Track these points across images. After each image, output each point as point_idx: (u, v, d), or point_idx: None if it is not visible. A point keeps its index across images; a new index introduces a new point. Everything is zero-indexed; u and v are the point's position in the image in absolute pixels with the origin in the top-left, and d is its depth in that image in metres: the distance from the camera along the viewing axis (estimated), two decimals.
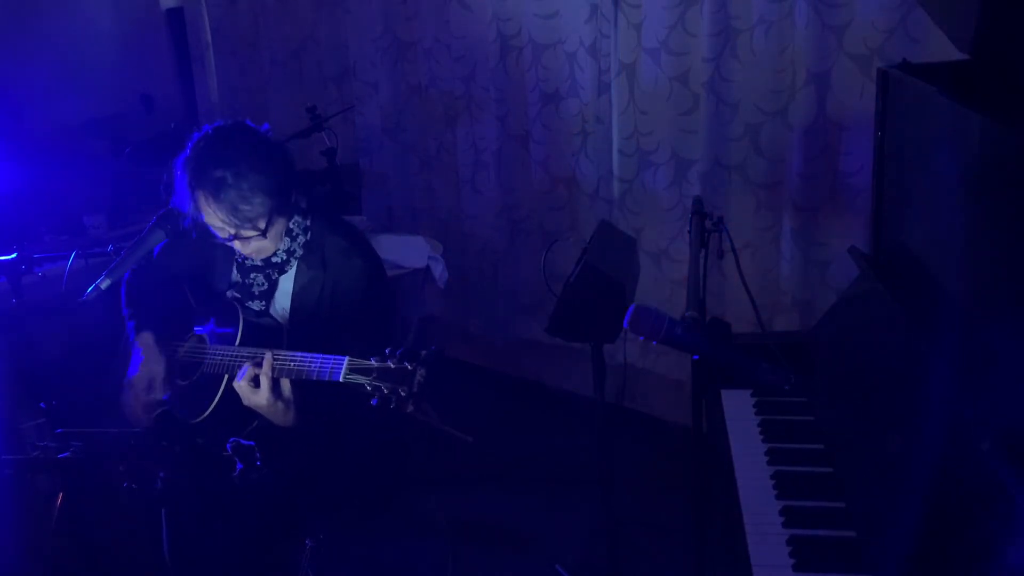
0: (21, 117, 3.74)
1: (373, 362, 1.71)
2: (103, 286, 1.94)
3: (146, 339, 2.10)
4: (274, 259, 2.07)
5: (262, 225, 1.93)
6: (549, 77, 3.19)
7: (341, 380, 1.75)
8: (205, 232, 2.18)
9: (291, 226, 2.05)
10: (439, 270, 3.35)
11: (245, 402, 1.87)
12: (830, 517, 1.52)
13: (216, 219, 1.93)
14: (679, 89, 2.85)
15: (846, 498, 1.55)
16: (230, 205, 1.89)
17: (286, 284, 2.10)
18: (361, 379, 1.71)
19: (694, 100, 2.83)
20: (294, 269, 2.09)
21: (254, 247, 2.00)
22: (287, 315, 2.09)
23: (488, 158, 3.46)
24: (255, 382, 1.84)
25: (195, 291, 2.18)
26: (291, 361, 1.85)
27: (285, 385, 1.86)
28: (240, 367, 1.89)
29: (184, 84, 4.42)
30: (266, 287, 2.10)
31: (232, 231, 1.94)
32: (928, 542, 1.26)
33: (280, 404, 1.86)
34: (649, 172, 2.99)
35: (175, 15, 4.36)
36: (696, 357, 1.58)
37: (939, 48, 2.05)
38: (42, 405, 2.45)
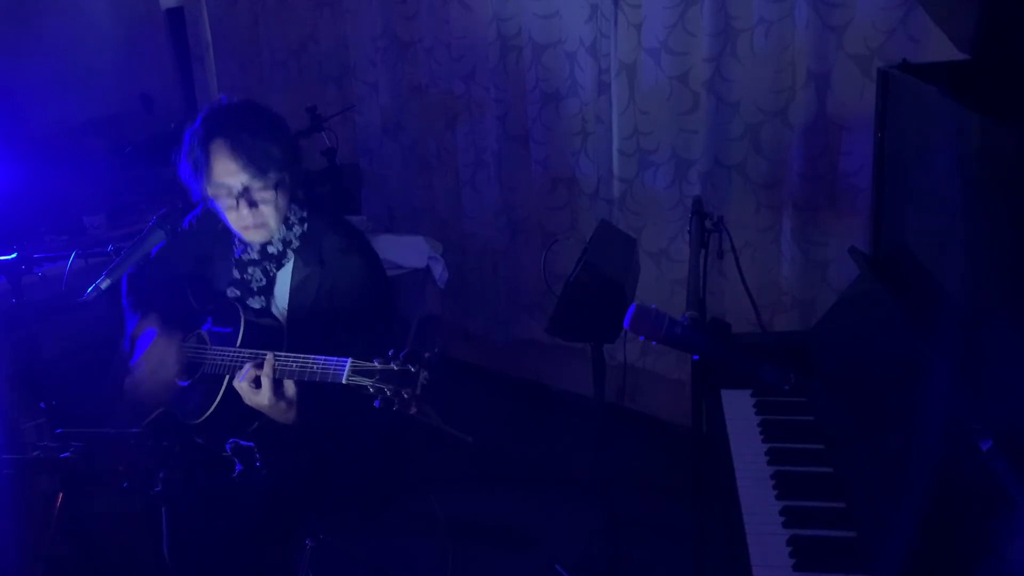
0: (21, 117, 3.74)
1: (376, 364, 1.70)
2: (103, 286, 1.94)
3: (154, 321, 2.10)
4: (270, 249, 2.06)
5: (274, 178, 1.95)
6: (549, 77, 3.19)
7: (344, 382, 1.74)
8: (205, 228, 2.18)
9: (289, 214, 2.05)
10: (439, 270, 3.35)
11: (247, 401, 1.87)
12: (830, 517, 1.52)
13: (231, 166, 1.93)
14: (679, 89, 2.84)
15: (846, 498, 1.55)
16: (247, 152, 1.92)
17: (284, 279, 2.10)
18: (364, 381, 1.71)
19: (694, 100, 2.83)
20: (291, 264, 2.08)
21: (260, 217, 1.99)
22: (287, 314, 2.09)
23: (488, 158, 3.46)
24: (256, 383, 1.84)
25: (195, 291, 2.18)
26: (294, 362, 1.85)
27: (288, 386, 1.86)
28: (241, 368, 1.89)
29: (184, 84, 4.42)
30: (264, 283, 2.09)
31: (244, 182, 1.94)
32: (928, 542, 1.26)
33: (282, 404, 1.86)
34: (649, 172, 2.99)
35: (175, 15, 4.36)
36: (696, 357, 1.58)
37: (939, 48, 2.05)
38: (42, 405, 2.45)
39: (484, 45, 3.30)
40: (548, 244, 3.33)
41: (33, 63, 3.83)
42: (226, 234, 2.14)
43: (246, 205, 1.96)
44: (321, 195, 3.46)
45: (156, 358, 2.04)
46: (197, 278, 2.19)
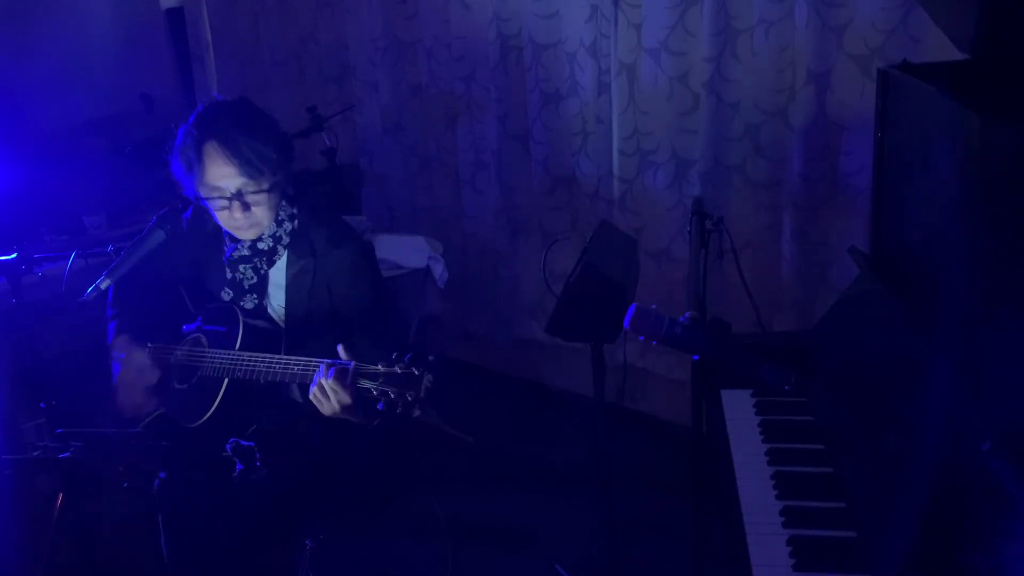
0: (21, 117, 3.74)
1: (380, 367, 1.70)
2: (103, 286, 1.94)
3: (123, 343, 2.11)
4: (261, 245, 2.06)
5: (268, 181, 1.94)
6: (549, 77, 3.19)
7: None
8: (198, 230, 2.17)
9: (280, 211, 2.05)
10: (439, 270, 3.35)
11: (326, 410, 1.80)
12: (830, 517, 1.52)
13: (225, 169, 1.92)
14: (679, 89, 2.84)
15: (846, 498, 1.55)
16: (241, 152, 1.90)
17: (278, 277, 2.09)
18: (368, 384, 1.71)
19: (694, 100, 2.83)
20: (283, 260, 2.08)
21: (252, 218, 1.98)
22: (283, 313, 2.09)
23: (488, 158, 3.46)
24: (342, 378, 1.75)
25: (192, 294, 2.18)
26: (295, 365, 1.84)
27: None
28: (241, 370, 1.89)
29: (184, 84, 4.42)
30: (255, 280, 2.09)
31: (239, 185, 1.93)
32: (928, 542, 1.26)
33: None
34: (649, 172, 2.99)
35: (175, 15, 4.36)
36: (696, 357, 1.58)
37: (939, 48, 2.05)
38: (42, 405, 2.45)
39: (484, 45, 3.30)
40: (548, 244, 3.32)
41: (33, 63, 3.83)
42: (217, 234, 2.14)
43: (240, 208, 1.96)
44: (321, 195, 3.46)
45: (131, 373, 2.06)
46: (192, 280, 2.19)
